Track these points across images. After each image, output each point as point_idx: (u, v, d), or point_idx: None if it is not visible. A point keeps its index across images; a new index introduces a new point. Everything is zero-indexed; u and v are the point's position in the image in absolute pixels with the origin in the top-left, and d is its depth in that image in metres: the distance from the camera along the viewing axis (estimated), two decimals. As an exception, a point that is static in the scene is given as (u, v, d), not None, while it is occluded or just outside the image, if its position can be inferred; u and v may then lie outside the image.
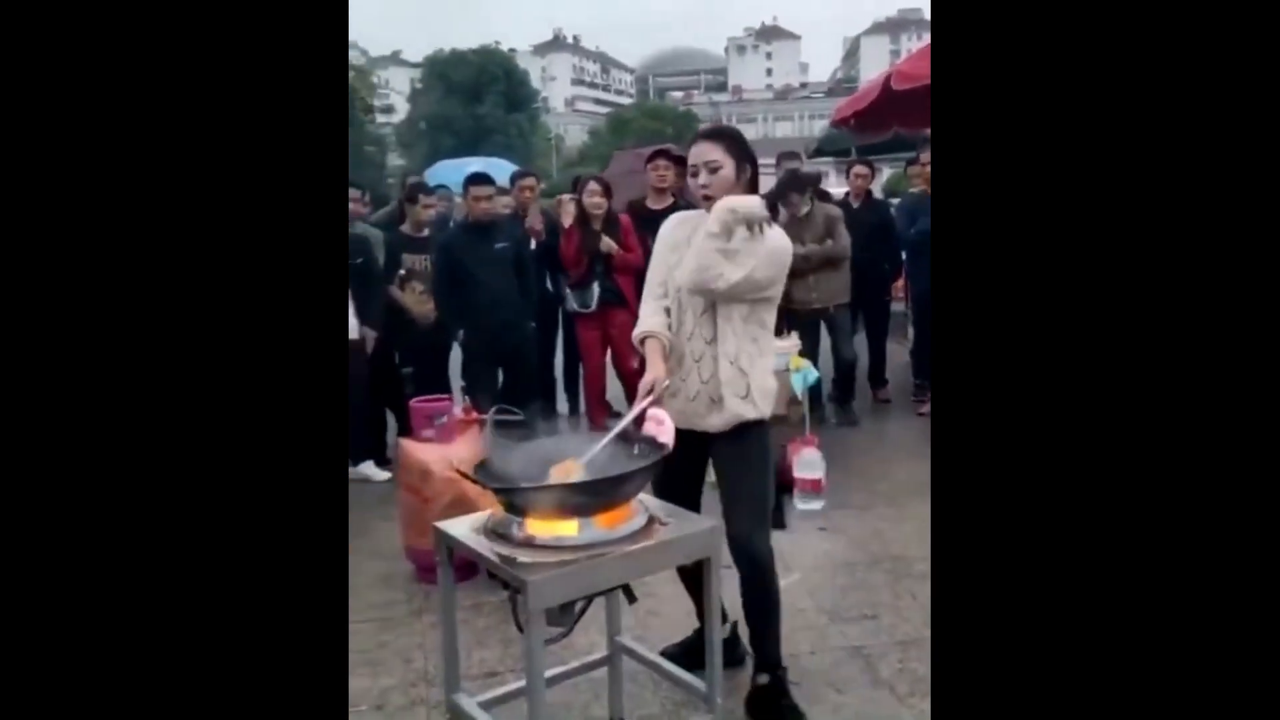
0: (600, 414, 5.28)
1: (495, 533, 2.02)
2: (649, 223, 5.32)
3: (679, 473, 2.51)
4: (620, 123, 44.70)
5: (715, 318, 2.40)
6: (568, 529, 1.98)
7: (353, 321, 4.62)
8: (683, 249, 2.43)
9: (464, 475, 2.01)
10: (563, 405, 5.73)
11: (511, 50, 41.27)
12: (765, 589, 2.50)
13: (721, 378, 2.39)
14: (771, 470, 2.56)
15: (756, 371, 2.43)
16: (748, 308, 2.40)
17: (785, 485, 4.33)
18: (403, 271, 4.96)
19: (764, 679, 2.53)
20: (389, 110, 17.92)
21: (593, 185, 5.15)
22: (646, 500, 2.19)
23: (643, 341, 2.46)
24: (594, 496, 1.97)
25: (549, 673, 2.66)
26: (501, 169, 7.28)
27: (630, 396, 5.47)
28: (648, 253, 2.83)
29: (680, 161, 5.92)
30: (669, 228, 2.56)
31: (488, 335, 4.53)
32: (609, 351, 5.25)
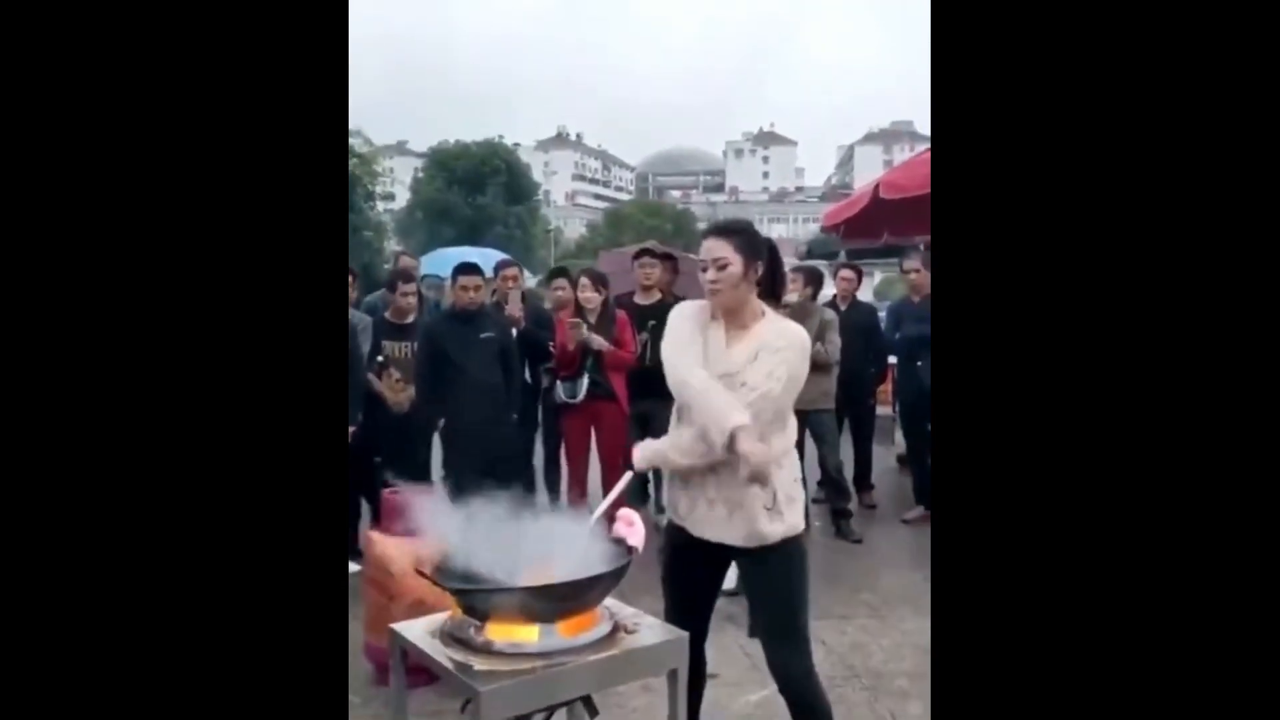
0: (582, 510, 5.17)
1: (452, 637, 1.93)
2: (637, 318, 5.34)
3: (695, 580, 2.42)
4: (618, 218, 45.51)
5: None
6: (527, 635, 1.89)
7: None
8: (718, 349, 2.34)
9: (421, 574, 1.93)
10: (543, 499, 5.62)
11: (515, 145, 42.25)
12: (811, 712, 2.37)
13: (749, 492, 2.23)
14: (805, 587, 2.38)
15: (782, 478, 2.28)
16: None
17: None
18: (380, 358, 4.92)
19: None
20: (389, 198, 18.19)
21: (585, 279, 5.15)
22: (613, 605, 2.10)
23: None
24: (555, 601, 1.88)
25: None
26: (493, 260, 7.31)
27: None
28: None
29: (666, 258, 5.97)
30: (678, 319, 2.44)
31: (470, 425, 4.46)
32: (594, 446, 5.18)
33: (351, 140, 16.98)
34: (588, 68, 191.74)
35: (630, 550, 2.07)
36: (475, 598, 1.89)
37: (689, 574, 2.45)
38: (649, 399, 5.39)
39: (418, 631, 1.99)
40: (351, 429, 4.66)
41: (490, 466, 4.56)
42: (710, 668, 2.44)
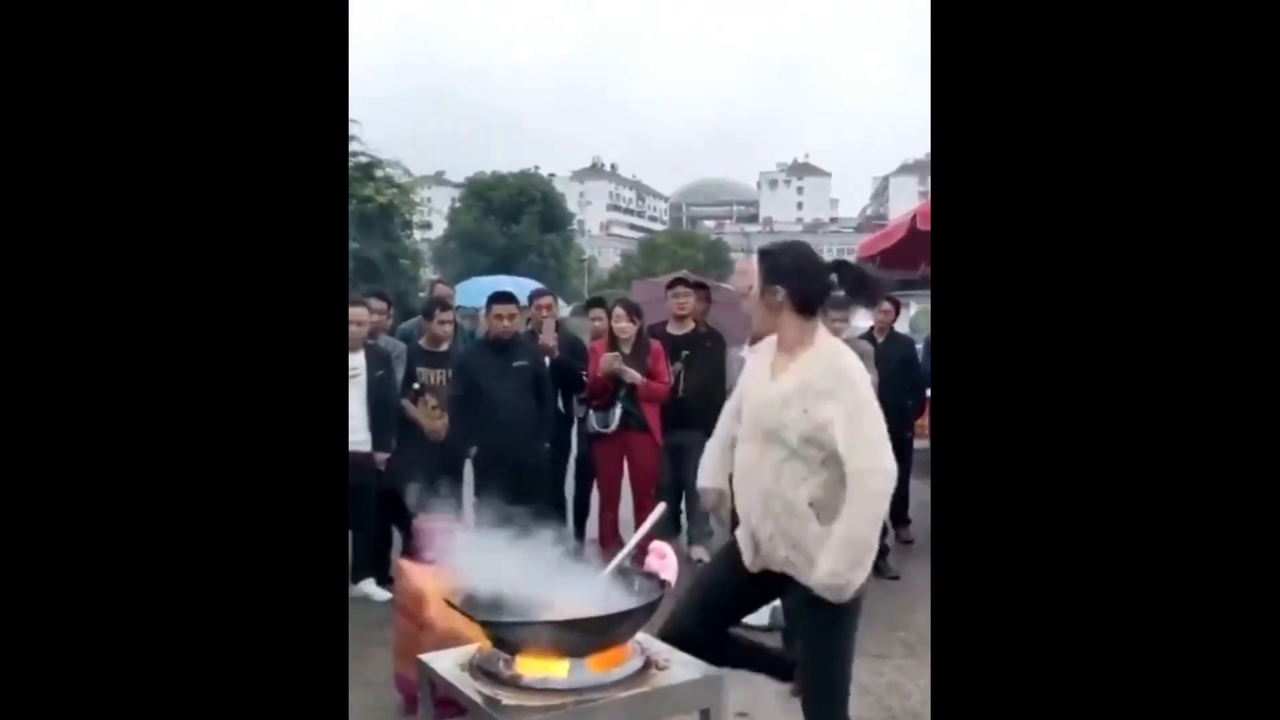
0: (612, 542, 5.13)
1: (481, 670, 1.90)
2: (671, 349, 5.32)
3: (730, 600, 2.36)
4: (652, 248, 45.64)
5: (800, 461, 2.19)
6: (557, 670, 1.86)
7: (366, 434, 4.57)
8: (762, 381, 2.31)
9: (451, 605, 1.90)
10: (571, 529, 5.59)
11: (551, 175, 42.57)
12: None
13: (809, 532, 2.16)
14: (853, 641, 2.27)
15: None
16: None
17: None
18: (416, 385, 4.94)
19: None
20: (426, 226, 18.40)
21: (619, 309, 5.14)
22: (644, 641, 2.07)
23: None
24: (586, 636, 1.85)
25: None
26: (528, 289, 7.33)
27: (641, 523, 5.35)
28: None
29: (699, 288, 5.96)
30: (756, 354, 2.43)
31: (502, 453, 4.45)
32: (626, 476, 5.14)
33: (390, 170, 17.20)
34: (622, 100, 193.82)
35: (663, 584, 2.03)
36: (505, 630, 1.86)
37: (727, 581, 2.36)
38: (683, 430, 5.36)
39: (447, 664, 1.97)
40: (385, 456, 4.67)
41: (521, 495, 4.54)
42: (741, 706, 2.36)
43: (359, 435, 4.57)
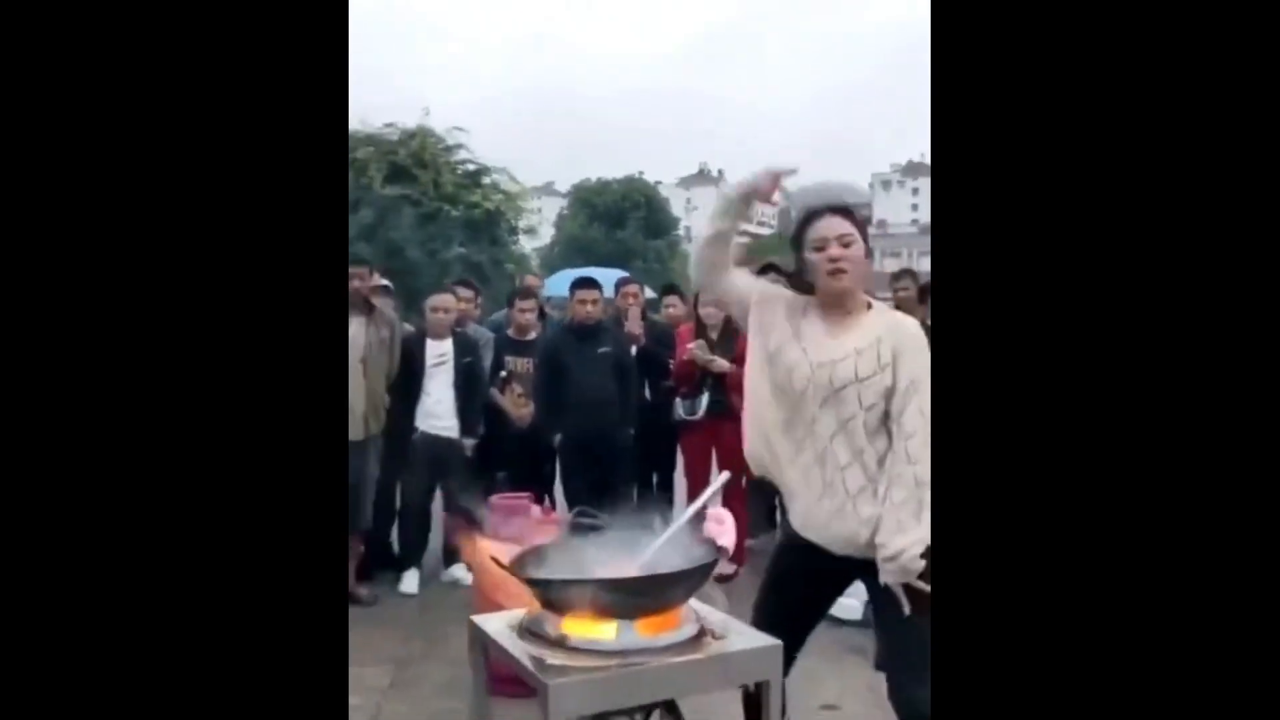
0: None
1: (529, 631, 1.85)
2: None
3: (798, 599, 2.26)
4: (756, 249, 45.28)
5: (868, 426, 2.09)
6: (604, 632, 1.79)
7: (453, 421, 4.63)
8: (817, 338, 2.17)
9: (498, 564, 1.86)
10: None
11: (658, 182, 42.76)
12: None
13: (867, 504, 2.06)
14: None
15: (905, 483, 2.05)
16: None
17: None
18: (503, 373, 4.97)
19: None
20: (530, 231, 18.64)
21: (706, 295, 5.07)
22: (701, 609, 1.98)
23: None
24: (633, 596, 1.78)
25: None
26: (614, 278, 7.30)
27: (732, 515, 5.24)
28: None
29: (793, 276, 5.82)
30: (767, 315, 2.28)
31: (585, 438, 4.43)
32: (714, 465, 5.05)
33: (496, 177, 17.52)
34: (729, 104, 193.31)
35: (719, 550, 1.94)
36: (550, 588, 1.80)
37: (795, 584, 2.29)
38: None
39: (497, 625, 1.92)
40: (473, 442, 4.72)
41: (604, 480, 4.52)
42: (832, 699, 2.23)
43: (447, 421, 4.63)
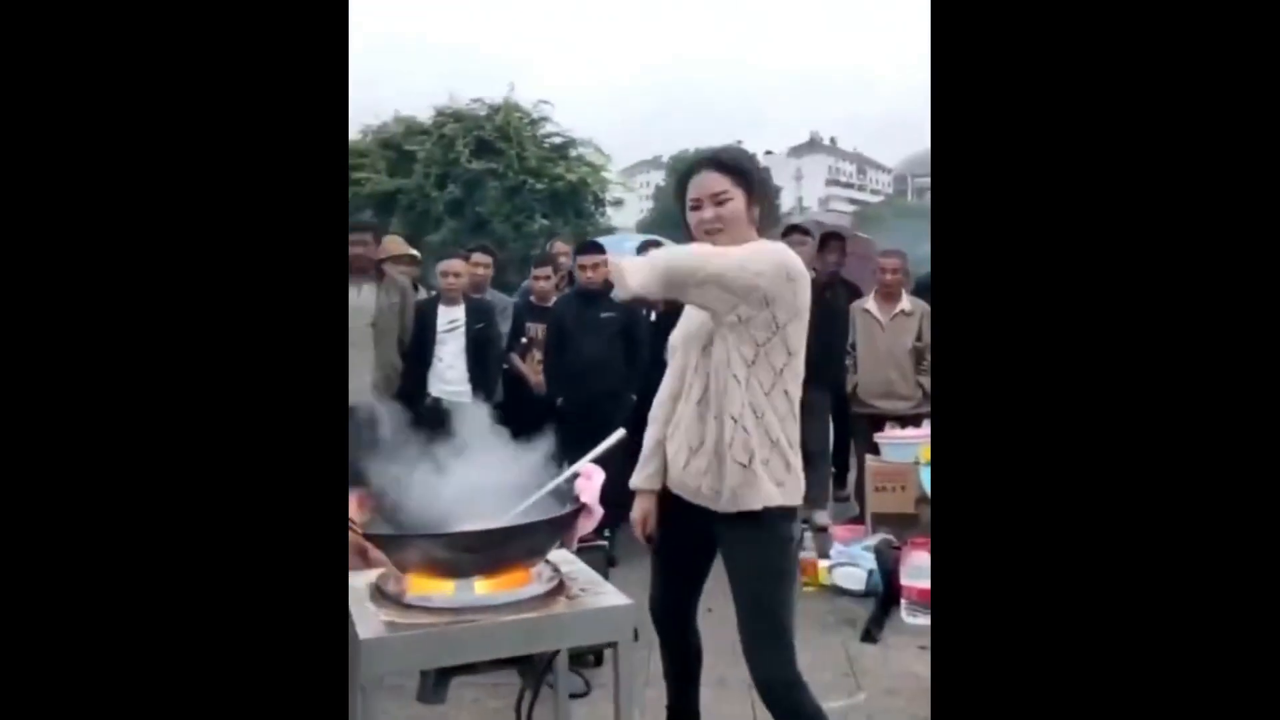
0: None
1: (379, 590, 1.81)
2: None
3: (681, 550, 2.20)
4: (866, 219, 44.18)
5: (709, 366, 2.02)
6: (442, 589, 1.74)
7: (465, 385, 4.65)
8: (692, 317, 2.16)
9: (351, 524, 1.83)
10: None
11: (769, 152, 42.12)
12: None
13: (726, 438, 1.98)
14: (790, 577, 2.09)
15: (776, 435, 1.99)
16: (752, 350, 1.97)
17: (893, 595, 3.81)
18: (524, 339, 4.96)
19: None
20: (618, 203, 18.62)
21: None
22: (570, 570, 1.91)
23: None
24: (465, 552, 1.72)
25: None
26: (636, 243, 7.17)
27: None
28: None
29: (834, 238, 5.62)
30: None
31: (584, 403, 4.39)
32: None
33: (582, 149, 17.57)
34: (840, 70, 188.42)
35: (577, 504, 1.86)
36: (387, 544, 1.77)
37: (676, 541, 2.22)
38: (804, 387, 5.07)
39: (360, 582, 1.90)
40: (489, 406, 4.73)
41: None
42: (805, 671, 2.17)
43: (459, 386, 4.65)
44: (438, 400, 4.60)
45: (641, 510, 2.21)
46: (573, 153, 17.28)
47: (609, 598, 1.80)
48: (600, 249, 4.66)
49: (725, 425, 1.98)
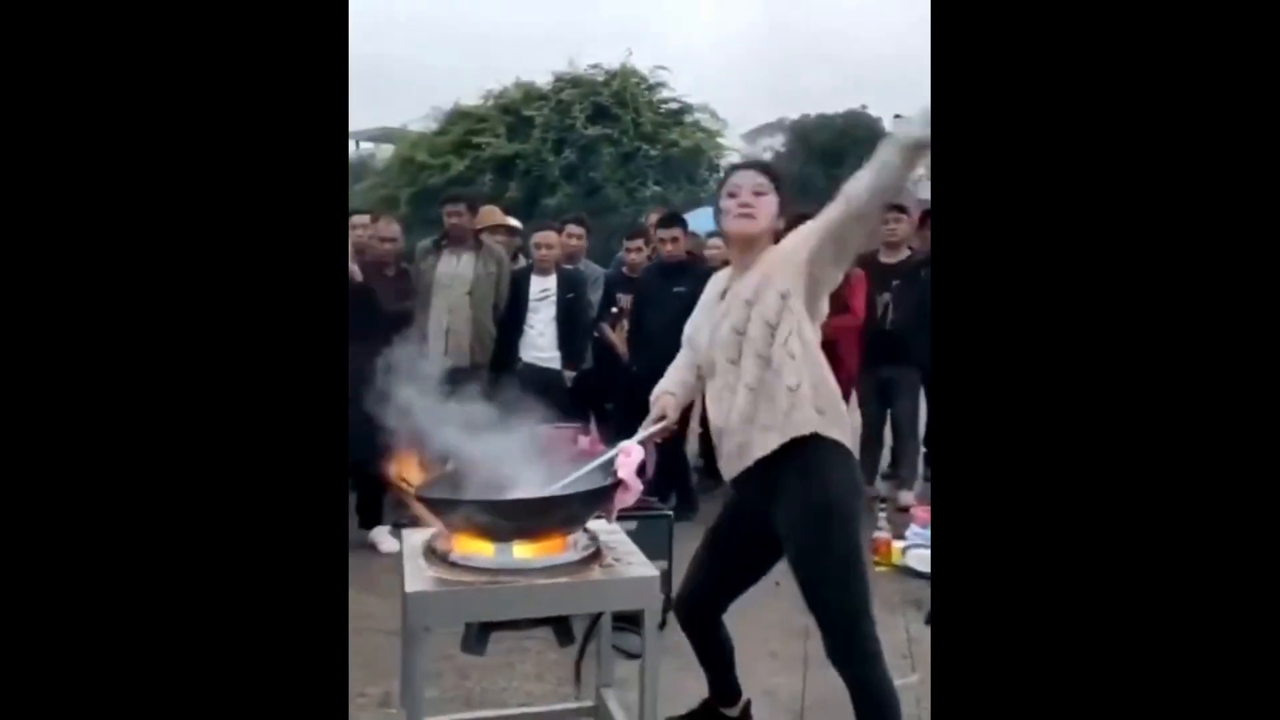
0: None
1: (430, 548, 1.98)
2: (878, 277, 4.98)
3: (733, 549, 2.31)
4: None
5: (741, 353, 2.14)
6: (483, 550, 1.89)
7: (554, 353, 4.82)
8: (713, 307, 2.27)
9: (401, 480, 2.00)
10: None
11: (897, 116, 40.59)
12: (875, 701, 2.12)
13: (761, 400, 2.10)
14: (857, 533, 2.13)
15: (810, 384, 2.09)
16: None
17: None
18: (614, 309, 5.09)
19: None
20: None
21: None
22: (609, 540, 2.03)
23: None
24: (504, 518, 1.86)
25: (533, 709, 2.56)
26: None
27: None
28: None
29: (922, 214, 5.50)
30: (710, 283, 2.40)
31: (651, 373, 4.49)
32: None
33: (698, 115, 17.48)
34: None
35: (615, 479, 1.98)
36: (435, 507, 1.92)
37: (730, 539, 2.34)
38: (891, 365, 5.03)
39: (416, 539, 2.06)
40: (573, 375, 4.89)
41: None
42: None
43: (549, 353, 4.83)
44: (529, 365, 4.79)
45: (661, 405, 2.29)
46: (688, 118, 17.21)
47: (638, 569, 1.92)
48: (679, 222, 4.72)
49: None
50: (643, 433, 2.19)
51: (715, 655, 2.41)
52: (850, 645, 2.11)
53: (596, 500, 1.94)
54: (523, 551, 1.88)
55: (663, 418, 2.23)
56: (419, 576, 1.83)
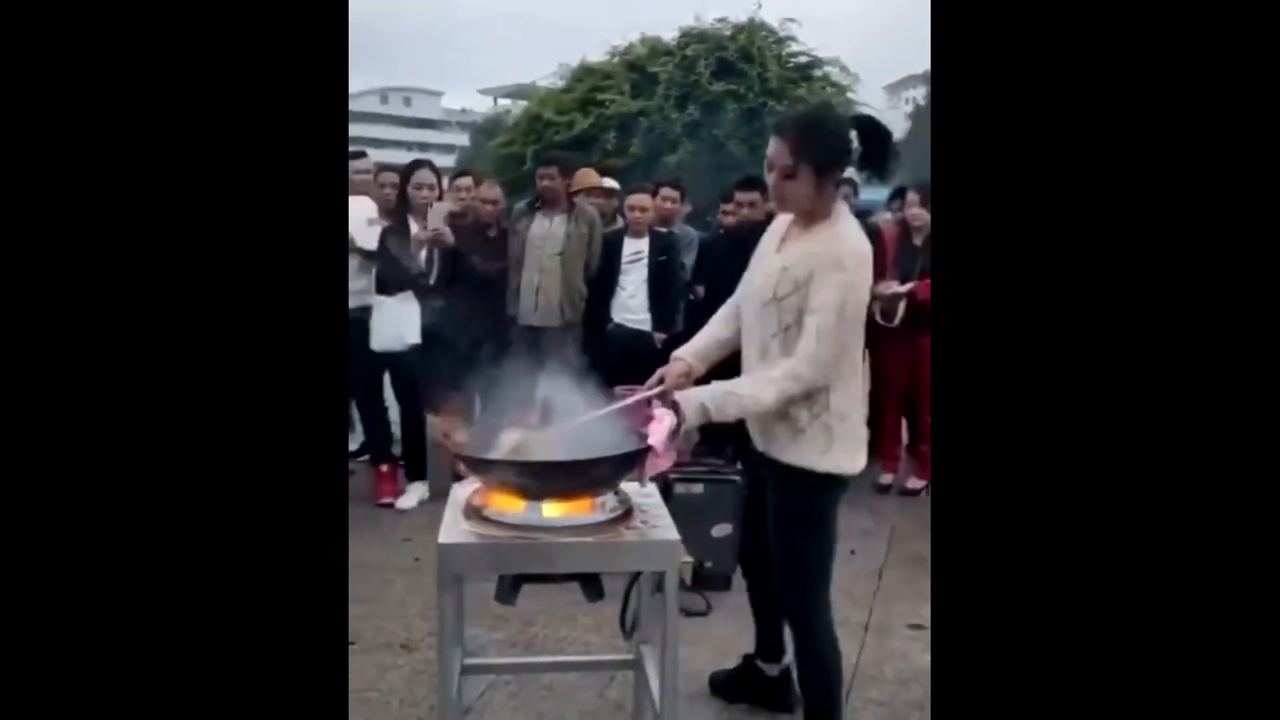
0: (892, 447, 4.95)
1: (470, 504, 2.10)
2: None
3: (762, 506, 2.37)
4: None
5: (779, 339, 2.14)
6: (514, 507, 2.00)
7: (645, 315, 4.89)
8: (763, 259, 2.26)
9: (445, 437, 2.12)
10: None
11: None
12: (816, 666, 2.24)
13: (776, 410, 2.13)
14: (827, 526, 2.23)
15: (835, 409, 2.13)
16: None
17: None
18: (692, 297, 5.10)
19: None
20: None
21: (911, 195, 4.80)
22: (645, 501, 2.11)
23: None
24: (533, 479, 1.96)
25: (575, 657, 2.68)
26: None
27: (915, 431, 5.02)
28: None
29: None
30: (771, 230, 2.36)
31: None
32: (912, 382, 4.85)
33: (827, 69, 17.04)
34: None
35: (644, 444, 2.04)
36: (471, 465, 2.04)
37: (753, 490, 2.42)
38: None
39: (463, 492, 2.19)
40: (663, 336, 4.96)
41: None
42: (924, 619, 2.32)
43: (639, 315, 4.90)
44: (620, 326, 4.89)
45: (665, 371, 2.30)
46: (816, 73, 16.79)
47: (661, 532, 1.99)
48: (756, 184, 4.66)
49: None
50: (638, 395, 2.20)
51: (765, 610, 2.52)
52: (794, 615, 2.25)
53: (625, 465, 2.01)
54: (551, 510, 1.98)
55: (661, 382, 2.21)
56: (453, 529, 1.96)
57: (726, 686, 2.60)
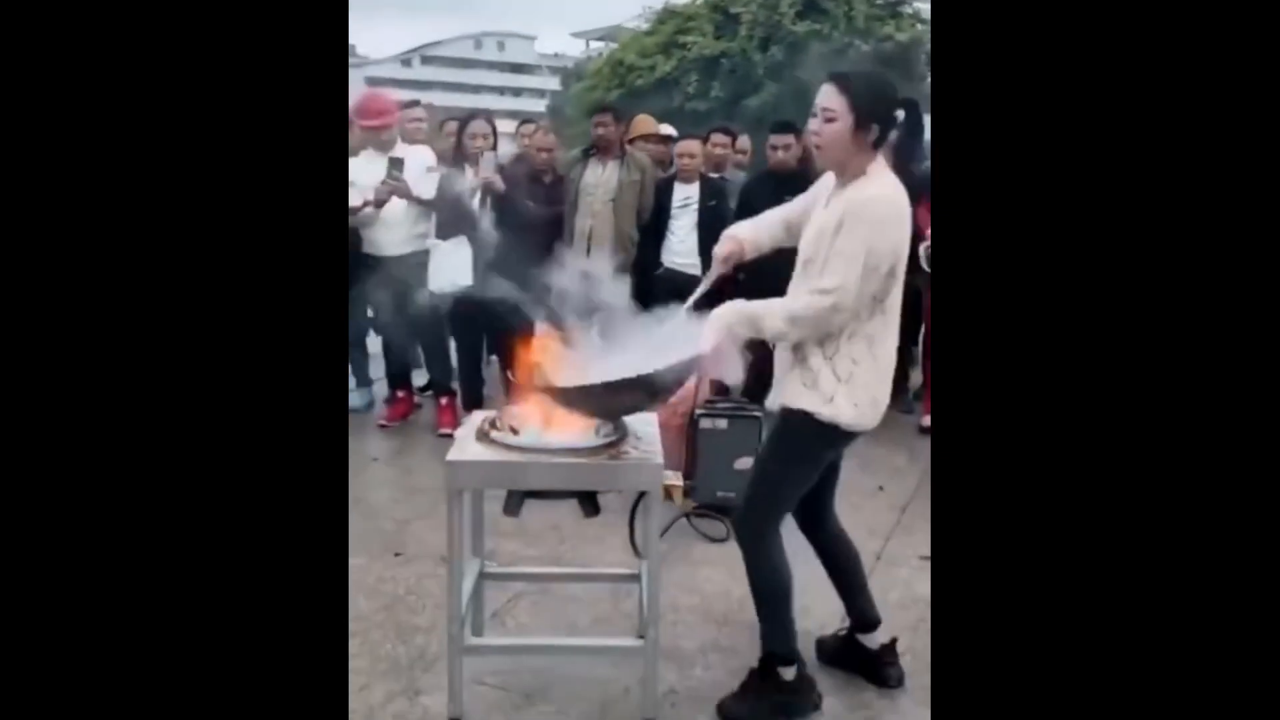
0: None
1: (480, 428, 2.33)
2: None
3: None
4: None
5: None
6: (524, 431, 2.24)
7: (695, 259, 5.05)
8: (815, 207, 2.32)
9: (509, 370, 2.35)
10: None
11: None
12: (758, 577, 2.34)
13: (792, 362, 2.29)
14: (807, 469, 2.33)
15: (847, 353, 2.21)
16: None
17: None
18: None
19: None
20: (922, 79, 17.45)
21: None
22: (642, 430, 2.31)
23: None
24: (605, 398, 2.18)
25: (584, 569, 2.92)
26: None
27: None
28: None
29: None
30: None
31: (756, 290, 4.59)
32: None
33: (917, 5, 16.60)
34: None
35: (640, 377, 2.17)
36: (554, 395, 2.23)
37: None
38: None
39: (476, 420, 2.43)
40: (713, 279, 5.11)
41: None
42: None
43: (689, 259, 5.06)
44: (670, 270, 5.06)
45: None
46: (906, 10, 16.33)
47: (647, 457, 2.19)
48: (791, 128, 4.69)
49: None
50: (705, 284, 2.46)
51: (840, 579, 2.58)
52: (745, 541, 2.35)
53: (621, 390, 2.17)
54: (551, 432, 2.21)
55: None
56: (461, 449, 2.21)
57: (831, 655, 2.63)
